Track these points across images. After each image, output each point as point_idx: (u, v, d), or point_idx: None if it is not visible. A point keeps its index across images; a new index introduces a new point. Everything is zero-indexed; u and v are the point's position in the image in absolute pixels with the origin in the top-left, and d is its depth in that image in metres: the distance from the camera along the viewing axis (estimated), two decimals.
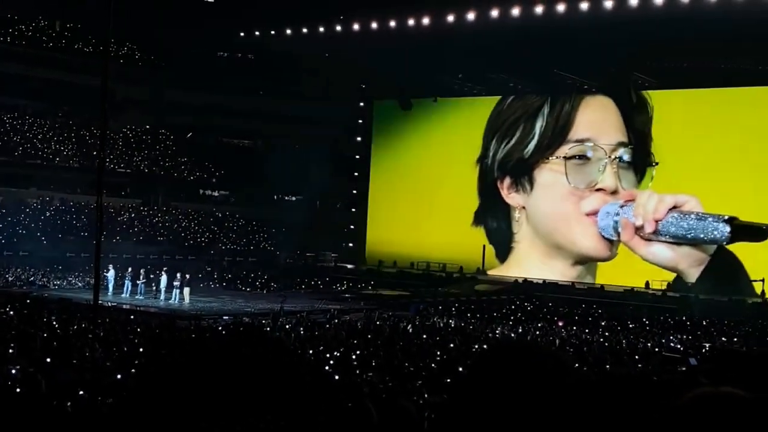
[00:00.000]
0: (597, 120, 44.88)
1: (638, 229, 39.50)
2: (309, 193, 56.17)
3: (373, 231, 54.97)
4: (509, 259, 47.32)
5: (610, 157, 43.57)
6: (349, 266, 49.97)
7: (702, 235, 37.46)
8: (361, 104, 56.66)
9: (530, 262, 45.46)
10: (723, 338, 25.62)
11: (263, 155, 55.48)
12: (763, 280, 37.15)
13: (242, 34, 51.04)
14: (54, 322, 21.28)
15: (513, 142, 47.62)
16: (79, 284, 37.22)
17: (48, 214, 48.21)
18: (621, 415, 2.17)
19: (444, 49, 43.56)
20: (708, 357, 17.55)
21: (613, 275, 41.89)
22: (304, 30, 47.44)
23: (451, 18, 41.81)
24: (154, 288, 34.25)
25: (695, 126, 42.68)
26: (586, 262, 44.06)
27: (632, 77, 43.33)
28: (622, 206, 40.91)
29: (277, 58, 51.97)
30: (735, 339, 25.27)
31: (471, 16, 41.09)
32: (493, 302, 36.95)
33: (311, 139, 50.12)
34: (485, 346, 19.58)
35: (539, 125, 46.68)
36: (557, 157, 45.28)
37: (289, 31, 48.22)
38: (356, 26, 45.50)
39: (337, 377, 13.24)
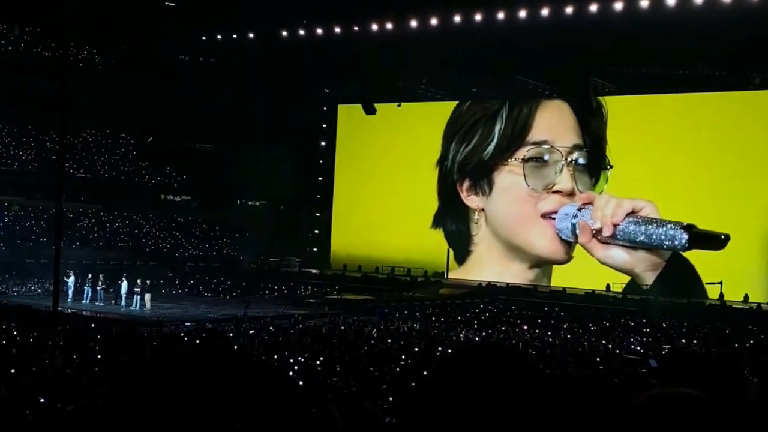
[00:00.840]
0: (554, 123, 45.70)
1: (596, 233, 39.91)
2: (272, 198, 55.99)
3: (337, 236, 54.91)
4: (468, 261, 47.75)
5: (566, 159, 44.44)
6: (314, 271, 49.86)
7: (659, 242, 37.94)
8: (325, 109, 56.61)
9: (488, 265, 46.00)
10: (683, 340, 25.95)
11: (226, 160, 55.18)
12: (720, 283, 37.69)
13: (203, 37, 50.78)
14: (13, 329, 20.98)
15: (472, 144, 48.25)
16: (39, 291, 36.76)
17: (6, 219, 47.52)
18: (584, 416, 2.20)
19: (407, 54, 43.67)
20: (667, 359, 17.77)
21: (567, 279, 42.50)
22: (267, 34, 47.36)
23: (414, 23, 42.02)
24: (114, 294, 33.91)
25: (650, 130, 43.34)
26: (543, 264, 44.75)
27: (591, 82, 43.83)
28: (580, 209, 41.22)
29: (240, 62, 51.70)
30: (694, 341, 25.61)
31: (434, 21, 41.32)
32: (457, 306, 37.09)
33: (275, 144, 49.91)
34: (450, 350, 19.66)
35: (498, 128, 47.33)
36: (515, 160, 45.97)
37: (251, 35, 48.09)
38: (319, 31, 45.52)
39: (301, 383, 13.22)
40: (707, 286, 37.99)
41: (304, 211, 56.65)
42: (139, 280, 33.38)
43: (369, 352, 19.07)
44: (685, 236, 37.50)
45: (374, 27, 43.27)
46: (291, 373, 14.57)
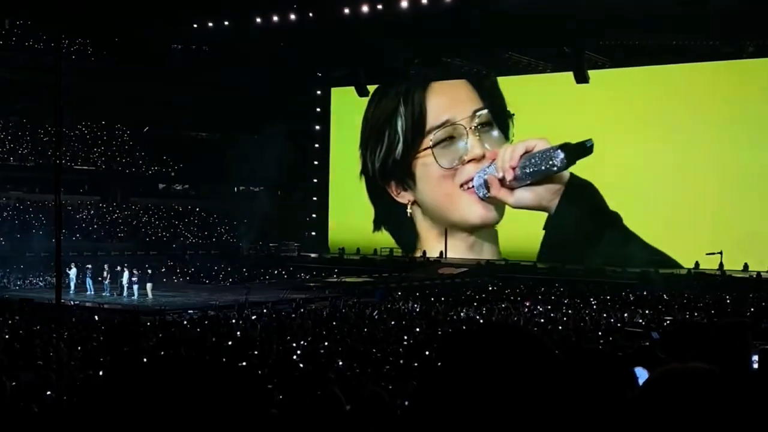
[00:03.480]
0: (448, 100, 47.87)
1: (502, 181, 43.03)
2: (269, 184, 55.89)
3: (335, 219, 54.91)
4: (418, 250, 48.83)
5: (470, 128, 46.57)
6: (312, 255, 49.90)
7: (545, 167, 42.21)
8: (318, 93, 56.47)
9: (436, 247, 47.33)
10: (686, 312, 25.99)
11: (221, 147, 55.04)
12: (720, 253, 37.73)
13: (195, 25, 50.55)
14: (17, 323, 21.03)
15: (384, 148, 50.46)
16: (41, 284, 36.78)
17: (5, 214, 47.48)
18: (592, 391, 2.22)
19: (398, 35, 43.57)
20: (669, 330, 17.82)
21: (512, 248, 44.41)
22: (258, 19, 47.17)
23: (404, 4, 41.88)
24: (116, 285, 33.93)
25: (643, 103, 43.34)
26: (482, 230, 46.68)
27: (585, 56, 43.89)
28: (488, 166, 44.27)
29: (232, 48, 51.50)
30: (695, 313, 25.66)
31: (424, 0, 41.19)
32: (457, 285, 37.16)
33: (269, 130, 49.77)
34: (450, 330, 19.73)
35: (400, 125, 49.62)
36: (425, 148, 48.20)
37: (242, 21, 47.88)
38: (311, 14, 45.33)
39: (304, 366, 13.27)
40: (707, 257, 38.09)
41: (300, 196, 56.62)
42: (135, 270, 33.40)
43: (370, 333, 19.14)
44: (561, 153, 41.04)
45: (365, 9, 43.05)
46: (294, 357, 14.63)
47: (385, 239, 50.12)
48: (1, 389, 10.57)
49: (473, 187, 45.71)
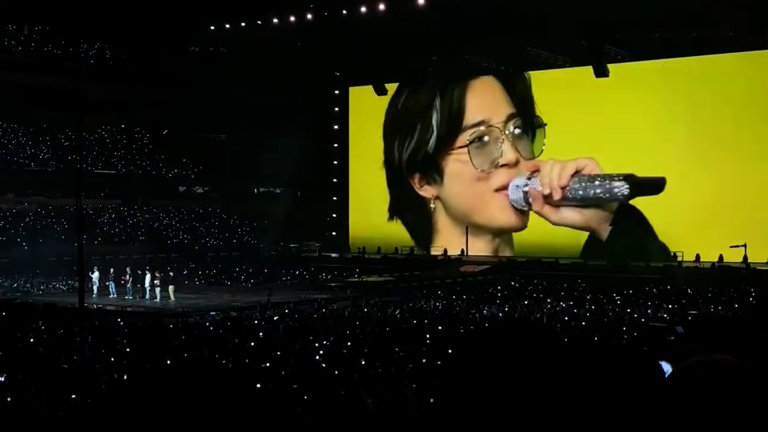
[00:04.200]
0: (486, 101, 47.54)
1: (546, 198, 42.48)
2: (289, 184, 56.04)
3: (355, 218, 54.94)
4: (433, 246, 48.88)
5: (504, 132, 46.21)
6: (333, 255, 49.92)
7: (604, 195, 41.21)
8: (337, 92, 56.50)
9: (455, 244, 47.05)
10: (710, 306, 25.80)
11: (240, 149, 55.23)
12: (744, 246, 37.40)
13: (213, 27, 50.72)
14: (41, 328, 21.15)
15: (415, 140, 50.05)
16: (63, 288, 37.00)
17: (27, 219, 47.85)
18: (616, 387, 2.19)
19: (416, 33, 43.46)
20: (694, 324, 17.69)
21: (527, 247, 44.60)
22: (276, 20, 47.24)
23: (421, 1, 41.77)
24: (139, 287, 34.08)
25: (666, 95, 43.06)
26: (502, 234, 46.92)
27: (605, 49, 43.61)
28: (529, 178, 43.74)
29: (250, 49, 51.67)
30: (720, 307, 25.46)
31: None
32: (479, 282, 37.05)
33: (288, 130, 49.90)
34: (471, 328, 19.66)
35: (435, 119, 49.12)
36: (459, 146, 47.86)
37: (260, 22, 47.99)
38: (327, 14, 45.35)
39: (327, 367, 13.26)
40: (731, 249, 37.82)
41: (320, 196, 56.65)
42: (157, 273, 33.54)
43: (393, 332, 19.10)
44: (626, 185, 40.05)
45: (381, 6, 43.01)
46: (317, 358, 14.62)
47: (403, 235, 50.02)
48: (26, 394, 10.64)
49: (508, 193, 45.45)
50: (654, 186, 39.63)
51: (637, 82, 43.92)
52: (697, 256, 39.12)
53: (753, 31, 40.04)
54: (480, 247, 46.69)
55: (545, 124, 45.64)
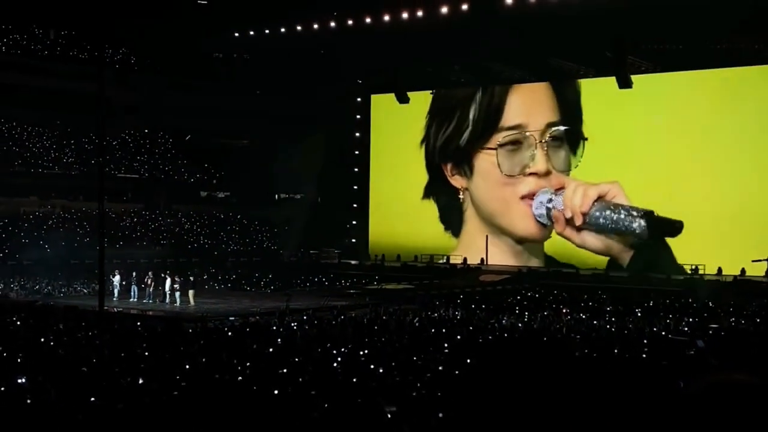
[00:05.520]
0: (526, 106, 46.67)
1: (568, 221, 42.29)
2: (310, 191, 56.16)
3: (375, 226, 54.95)
4: (461, 236, 49.12)
5: (540, 141, 45.51)
6: (353, 262, 49.95)
7: (622, 229, 40.61)
8: (359, 99, 56.62)
9: (479, 242, 47.18)
10: (731, 319, 25.57)
11: (262, 154, 55.44)
12: (767, 260, 37.12)
13: (236, 34, 51.01)
14: (62, 330, 21.28)
15: (450, 129, 49.65)
16: (85, 291, 37.23)
17: (50, 222, 48.23)
18: (633, 400, 2.18)
19: (439, 41, 43.53)
20: (715, 338, 17.53)
21: (558, 257, 44.53)
22: (299, 27, 47.45)
23: (444, 10, 41.83)
24: (161, 291, 34.26)
25: (690, 107, 42.85)
26: (526, 242, 46.39)
27: (628, 60, 43.40)
28: (554, 194, 43.40)
29: (273, 56, 51.91)
30: (742, 321, 25.24)
31: (465, 6, 41.11)
32: (498, 292, 36.94)
33: (310, 137, 50.05)
34: (490, 339, 19.60)
35: (473, 114, 48.56)
36: (491, 145, 47.33)
37: (283, 29, 48.22)
38: (350, 22, 45.51)
39: (344, 373, 13.25)
40: (752, 264, 37.58)
41: (341, 203, 56.73)
42: (177, 277, 33.70)
43: (411, 341, 19.06)
44: (644, 223, 39.67)
45: (405, 15, 43.12)
46: (335, 365, 14.62)
47: (423, 244, 49.89)
48: (46, 396, 10.70)
49: (532, 204, 45.02)
50: (672, 228, 39.15)
51: (660, 93, 43.69)
52: (719, 270, 38.87)
53: None
54: (504, 252, 46.52)
55: (586, 139, 44.79)
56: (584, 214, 41.84)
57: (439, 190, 50.42)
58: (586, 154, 44.82)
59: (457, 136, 48.96)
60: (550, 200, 43.77)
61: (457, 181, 49.28)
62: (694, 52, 40.98)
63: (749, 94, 41.34)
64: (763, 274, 37.50)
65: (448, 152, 49.53)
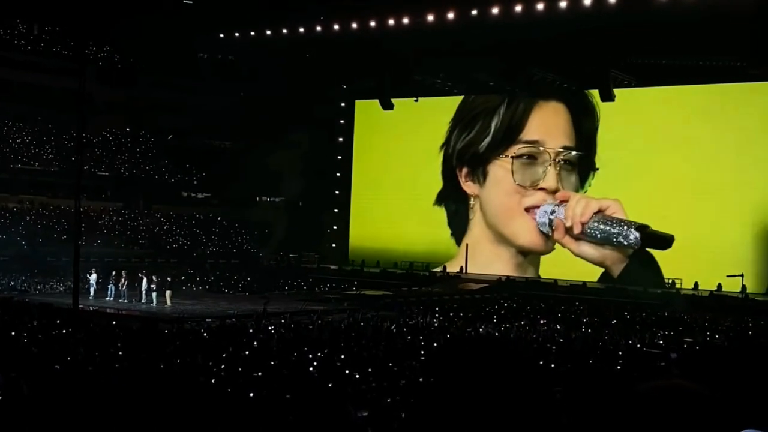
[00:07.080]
0: (547, 124, 47.44)
1: (568, 230, 43.25)
2: (291, 194, 56.09)
3: (355, 231, 54.98)
4: (463, 242, 49.35)
5: (554, 160, 46.43)
6: (332, 267, 49.94)
7: (616, 240, 42.00)
8: (343, 105, 56.65)
9: (480, 249, 48.01)
10: (707, 333, 25.74)
11: (244, 157, 55.33)
12: (742, 275, 37.45)
13: (222, 35, 50.91)
14: (36, 327, 21.12)
15: (471, 136, 50.18)
16: (61, 288, 37.00)
17: (28, 218, 47.90)
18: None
19: (424, 49, 43.63)
20: (689, 352, 17.66)
21: (553, 269, 44.59)
22: (284, 31, 47.42)
23: (431, 17, 41.94)
24: (137, 291, 34.11)
25: (671, 121, 43.40)
26: (528, 253, 47.09)
27: (611, 74, 43.70)
28: (557, 205, 44.42)
29: (258, 58, 51.82)
30: (716, 335, 25.41)
31: (451, 15, 41.23)
32: (476, 300, 37.03)
33: (293, 140, 50.00)
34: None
35: (495, 123, 49.07)
36: (507, 155, 47.95)
37: (269, 32, 48.18)
38: (336, 27, 45.53)
39: (320, 378, 13.24)
40: (728, 279, 37.95)
41: (322, 207, 56.68)
42: (154, 277, 33.59)
43: (388, 347, 19.07)
44: (638, 235, 40.79)
45: (391, 22, 43.22)
46: (311, 369, 14.61)
47: (402, 250, 50.00)
48: (19, 393, 10.63)
49: (536, 215, 45.95)
50: (663, 241, 39.86)
51: (642, 107, 44.18)
52: (696, 284, 39.21)
53: (759, 63, 40.13)
54: (505, 261, 47.16)
55: (597, 169, 45.91)
56: (583, 224, 42.71)
57: (450, 197, 50.92)
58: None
59: (477, 143, 49.62)
60: (553, 211, 44.86)
61: (469, 188, 49.84)
62: (676, 68, 41.35)
63: (728, 111, 41.80)
64: (738, 289, 37.81)
65: (465, 157, 50.08)
